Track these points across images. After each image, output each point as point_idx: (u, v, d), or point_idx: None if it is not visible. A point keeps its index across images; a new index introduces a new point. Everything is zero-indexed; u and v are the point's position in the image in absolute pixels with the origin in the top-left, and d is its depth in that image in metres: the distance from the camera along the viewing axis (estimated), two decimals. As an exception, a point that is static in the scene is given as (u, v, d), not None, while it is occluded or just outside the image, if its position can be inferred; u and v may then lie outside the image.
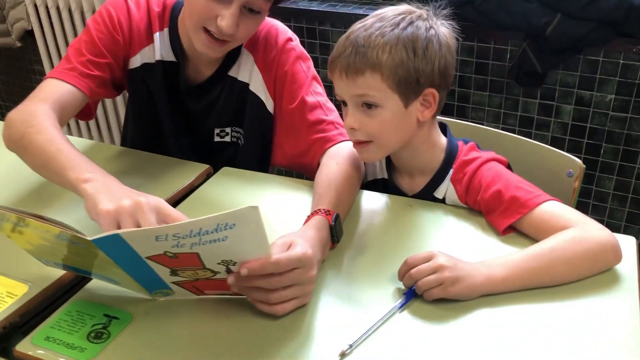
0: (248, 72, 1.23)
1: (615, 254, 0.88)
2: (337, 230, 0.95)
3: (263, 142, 1.28)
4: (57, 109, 1.07)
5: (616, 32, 1.47)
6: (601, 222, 0.92)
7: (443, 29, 0.99)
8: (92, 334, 0.82)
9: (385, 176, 1.15)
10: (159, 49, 1.21)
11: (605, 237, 0.88)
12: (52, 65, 2.52)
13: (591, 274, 0.88)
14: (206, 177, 1.22)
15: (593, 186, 1.70)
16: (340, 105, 1.05)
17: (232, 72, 1.23)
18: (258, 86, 1.23)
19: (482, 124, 1.32)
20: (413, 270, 0.84)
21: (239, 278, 0.79)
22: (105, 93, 1.22)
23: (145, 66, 1.22)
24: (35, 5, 2.43)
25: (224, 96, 1.25)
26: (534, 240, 0.94)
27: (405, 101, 0.98)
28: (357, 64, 0.95)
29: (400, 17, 0.97)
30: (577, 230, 0.88)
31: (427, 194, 1.09)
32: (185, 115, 1.27)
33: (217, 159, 1.28)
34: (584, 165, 1.19)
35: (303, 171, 1.24)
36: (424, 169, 1.08)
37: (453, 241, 1.00)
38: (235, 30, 1.08)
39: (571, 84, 1.62)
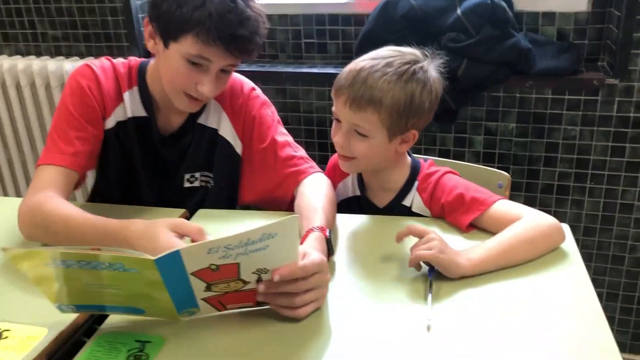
0: (216, 119, 1.35)
1: (562, 234, 1.09)
2: (332, 243, 1.08)
3: (232, 183, 1.38)
4: (57, 191, 1.15)
5: (512, 71, 1.76)
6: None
7: (435, 78, 1.17)
8: (132, 358, 0.86)
9: (358, 193, 1.32)
10: (129, 106, 1.30)
11: (553, 220, 1.09)
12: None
13: (546, 252, 1.07)
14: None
15: (507, 203, 1.96)
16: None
17: (200, 120, 1.34)
18: (226, 130, 1.35)
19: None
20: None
21: (269, 285, 0.89)
22: (94, 163, 1.30)
23: (118, 125, 1.29)
24: None
25: (194, 143, 1.35)
26: (492, 234, 1.13)
27: (390, 137, 1.16)
28: (362, 101, 1.12)
29: (405, 66, 1.13)
30: (531, 218, 1.08)
31: (396, 204, 1.26)
32: (158, 165, 1.35)
33: (187, 204, 1.37)
34: (510, 177, 1.42)
35: (274, 204, 1.36)
36: (394, 184, 1.26)
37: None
38: (215, 92, 1.22)
39: (479, 117, 1.89)
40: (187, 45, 1.14)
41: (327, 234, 1.07)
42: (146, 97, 1.30)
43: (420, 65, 1.15)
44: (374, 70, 1.13)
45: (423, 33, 1.80)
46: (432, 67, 1.18)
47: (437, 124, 1.92)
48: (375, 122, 1.13)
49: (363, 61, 1.16)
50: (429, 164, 1.29)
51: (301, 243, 1.06)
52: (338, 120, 1.19)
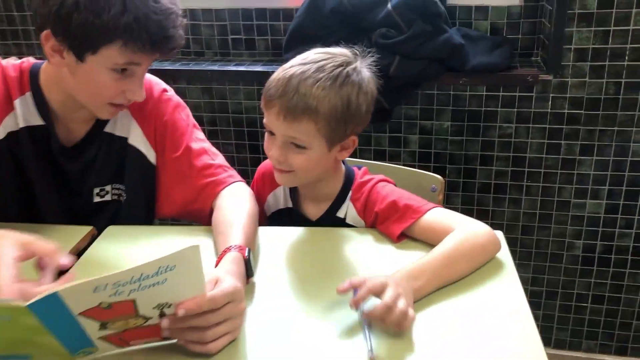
0: (125, 126, 1.22)
1: (498, 244, 1.03)
2: (251, 264, 0.98)
3: (147, 196, 1.27)
4: None
5: (445, 68, 1.70)
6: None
7: (369, 78, 1.09)
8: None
9: (290, 205, 1.22)
10: (21, 114, 1.16)
11: (488, 231, 1.03)
12: None
13: (483, 264, 1.01)
14: (91, 239, 1.17)
15: (445, 204, 1.91)
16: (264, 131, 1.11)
17: (108, 128, 1.22)
18: (137, 139, 1.23)
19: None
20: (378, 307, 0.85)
21: (174, 320, 0.79)
22: None
23: (9, 135, 1.16)
24: None
25: (102, 154, 1.23)
26: (424, 243, 1.06)
27: (330, 146, 1.08)
28: (297, 111, 1.03)
29: (338, 69, 1.05)
30: (466, 230, 1.02)
31: (329, 216, 1.17)
32: (60, 178, 1.22)
33: (98, 220, 1.24)
34: (444, 180, 1.36)
35: (194, 218, 1.25)
36: (328, 194, 1.18)
37: (355, 256, 1.09)
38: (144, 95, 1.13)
39: (414, 116, 1.83)
40: (112, 56, 1.03)
41: (246, 254, 0.97)
42: (42, 104, 1.16)
43: (353, 66, 1.08)
44: (305, 76, 1.04)
45: (354, 28, 1.72)
46: (364, 67, 1.10)
47: (371, 124, 1.83)
48: (313, 132, 1.05)
49: (292, 67, 1.07)
50: (363, 172, 1.21)
51: (217, 264, 0.96)
52: (271, 133, 1.09)
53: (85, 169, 1.23)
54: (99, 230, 1.20)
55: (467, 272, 0.99)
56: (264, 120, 1.09)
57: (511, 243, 1.93)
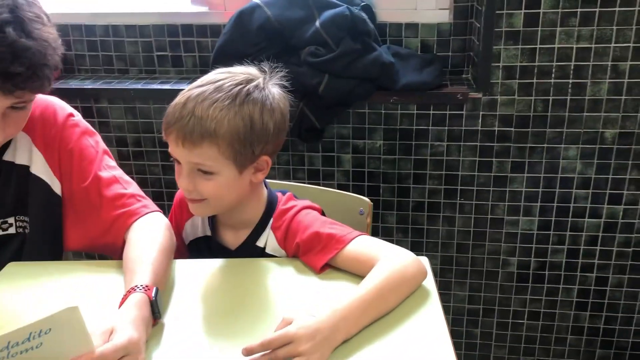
0: (27, 154, 1.13)
1: (424, 273, 1.00)
2: (158, 305, 0.91)
3: (53, 228, 1.17)
4: None
5: (375, 87, 1.67)
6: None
7: (277, 95, 1.04)
8: None
9: (208, 233, 1.15)
10: None
11: (414, 260, 0.99)
12: None
13: (409, 295, 0.97)
14: (-10, 277, 1.08)
15: (379, 223, 1.87)
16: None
17: (7, 157, 1.13)
18: (40, 168, 1.14)
19: (274, 180, 1.39)
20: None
21: None
22: None
23: None
24: None
25: (1, 184, 1.13)
26: (348, 273, 1.02)
27: (239, 169, 1.02)
28: (194, 135, 0.96)
29: (237, 87, 0.99)
30: (393, 260, 0.97)
31: (249, 245, 1.11)
32: None
33: (2, 254, 1.15)
34: (372, 203, 1.32)
35: (105, 252, 1.17)
36: (248, 222, 1.12)
37: (276, 288, 1.03)
38: (2, 137, 1.01)
39: (346, 135, 1.79)
40: None
41: (153, 294, 0.90)
42: None
43: (254, 84, 1.02)
44: (202, 98, 0.98)
45: (283, 46, 1.67)
46: (270, 84, 1.05)
47: (304, 143, 1.79)
48: (216, 156, 0.99)
49: (189, 90, 1.01)
50: (287, 197, 1.15)
51: (120, 305, 0.89)
52: (178, 162, 1.02)
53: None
54: (1, 267, 1.10)
55: (396, 305, 0.94)
56: (169, 149, 1.02)
57: (447, 261, 1.93)
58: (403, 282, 0.96)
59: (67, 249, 1.20)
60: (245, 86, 1.00)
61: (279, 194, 1.16)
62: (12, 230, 1.16)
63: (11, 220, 1.16)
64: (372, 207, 1.34)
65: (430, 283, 1.01)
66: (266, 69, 1.06)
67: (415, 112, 1.73)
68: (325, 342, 0.83)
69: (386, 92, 1.68)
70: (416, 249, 1.89)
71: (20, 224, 1.17)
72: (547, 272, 1.87)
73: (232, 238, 1.15)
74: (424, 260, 1.03)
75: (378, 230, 1.89)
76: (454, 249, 1.89)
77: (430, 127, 1.74)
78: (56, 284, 1.07)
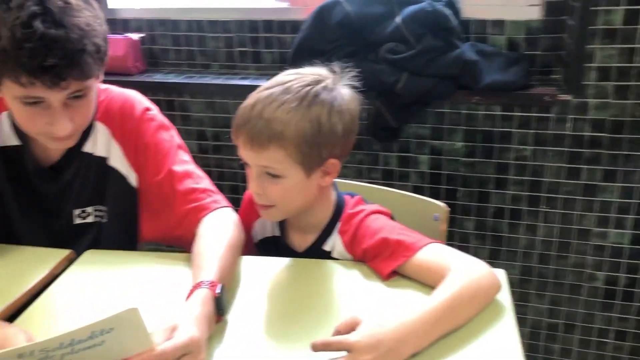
0: (105, 146, 1.16)
1: (498, 287, 0.94)
2: (222, 302, 0.90)
3: (129, 218, 1.20)
4: None
5: (456, 86, 1.60)
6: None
7: (347, 96, 1.01)
8: None
9: (277, 234, 1.15)
10: None
11: (488, 272, 0.93)
12: None
13: (482, 309, 0.91)
14: (68, 263, 1.12)
15: (455, 228, 1.81)
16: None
17: (86, 148, 1.16)
18: (117, 160, 1.17)
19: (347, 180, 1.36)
20: None
21: None
22: None
23: None
24: None
25: (80, 174, 1.17)
26: (416, 282, 0.97)
27: (307, 172, 1.00)
28: (262, 138, 0.96)
29: (305, 89, 0.97)
30: (467, 272, 0.92)
31: (316, 248, 1.10)
32: (37, 200, 1.17)
33: (80, 242, 1.19)
34: (449, 208, 1.26)
35: (178, 244, 1.18)
36: (316, 225, 1.10)
37: (341, 292, 1.00)
38: (72, 126, 1.03)
39: (424, 135, 1.73)
40: (10, 87, 0.96)
41: (218, 290, 0.90)
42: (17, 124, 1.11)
43: (323, 85, 0.99)
44: (270, 100, 0.97)
45: (361, 43, 1.64)
46: (340, 85, 1.01)
47: (379, 142, 1.75)
48: (284, 159, 0.97)
49: (259, 92, 1.00)
50: (356, 201, 1.12)
51: (187, 298, 0.89)
52: (248, 165, 1.03)
53: (64, 190, 1.17)
54: (80, 254, 1.14)
55: (468, 319, 0.89)
56: (239, 152, 1.02)
57: (526, 272, 1.83)
58: (476, 296, 0.90)
59: (141, 239, 1.23)
60: (314, 87, 0.98)
61: (348, 197, 1.13)
62: (90, 219, 1.20)
63: (90, 209, 1.20)
64: (449, 212, 1.28)
65: (505, 297, 0.95)
66: (337, 69, 1.03)
67: (499, 113, 1.65)
68: (389, 354, 0.80)
69: (468, 91, 1.61)
70: (494, 257, 1.81)
71: (98, 213, 1.21)
72: (637, 290, 1.74)
73: (300, 240, 1.13)
74: (500, 273, 0.97)
75: (454, 235, 1.82)
76: (535, 259, 1.79)
77: (514, 130, 1.66)
78: (129, 273, 1.09)
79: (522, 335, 0.87)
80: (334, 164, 1.02)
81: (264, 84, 1.02)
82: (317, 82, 0.99)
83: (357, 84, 1.03)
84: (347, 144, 1.04)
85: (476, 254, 0.98)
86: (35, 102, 0.98)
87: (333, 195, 1.11)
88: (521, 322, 0.89)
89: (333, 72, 1.03)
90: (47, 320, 0.95)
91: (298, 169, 0.99)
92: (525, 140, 1.66)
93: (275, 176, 0.99)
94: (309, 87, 0.98)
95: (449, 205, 1.28)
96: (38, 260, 1.11)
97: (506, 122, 1.66)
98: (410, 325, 0.83)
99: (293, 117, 0.95)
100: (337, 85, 1.01)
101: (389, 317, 0.84)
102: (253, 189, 1.02)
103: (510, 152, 1.69)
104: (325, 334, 0.83)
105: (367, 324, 0.81)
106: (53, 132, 1.02)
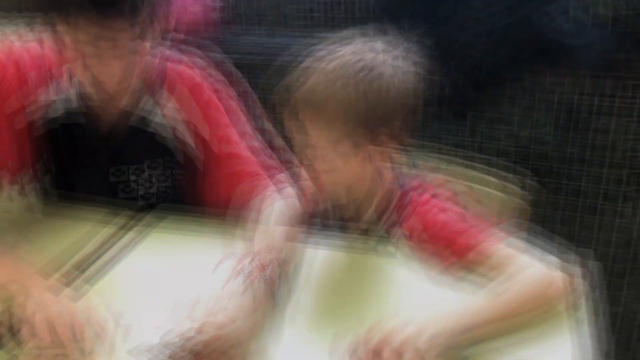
0: (165, 107, 1.17)
1: (561, 295, 0.85)
2: (277, 287, 0.89)
3: (189, 180, 1.21)
4: None
5: (543, 60, 1.46)
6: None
7: (398, 69, 0.96)
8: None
9: (331, 217, 1.11)
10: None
11: (559, 279, 0.84)
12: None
13: (543, 318, 0.83)
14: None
15: (538, 208, 1.67)
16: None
17: (153, 117, 1.17)
18: (178, 121, 1.17)
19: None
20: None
21: None
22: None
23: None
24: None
25: (143, 142, 1.17)
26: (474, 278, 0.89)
27: (356, 150, 0.96)
28: (312, 112, 0.95)
29: (361, 64, 0.94)
30: (535, 276, 0.85)
31: (367, 233, 1.05)
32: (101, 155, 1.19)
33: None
34: (529, 192, 1.15)
35: (240, 214, 1.18)
36: (366, 208, 1.06)
37: (393, 287, 0.96)
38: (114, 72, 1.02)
39: (505, 111, 1.60)
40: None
41: (268, 272, 0.88)
42: None
43: (381, 59, 0.94)
44: (320, 77, 0.94)
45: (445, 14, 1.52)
46: (392, 58, 0.96)
47: (454, 117, 1.64)
48: (331, 134, 0.95)
49: (310, 67, 0.97)
50: (416, 184, 1.05)
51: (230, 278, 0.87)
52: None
53: (123, 148, 1.18)
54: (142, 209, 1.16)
55: (522, 329, 0.80)
56: (290, 127, 0.99)
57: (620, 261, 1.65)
58: (539, 303, 0.82)
59: (203, 202, 1.23)
60: (370, 63, 0.93)
61: (407, 179, 1.07)
62: (145, 176, 1.21)
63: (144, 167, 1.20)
64: (531, 194, 1.17)
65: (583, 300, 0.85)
66: (397, 42, 0.97)
67: (588, 89, 1.48)
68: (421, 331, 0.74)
69: (556, 65, 1.47)
70: (584, 243, 1.66)
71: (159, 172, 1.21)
72: None
73: (355, 222, 1.08)
74: (576, 272, 0.86)
75: (537, 218, 1.68)
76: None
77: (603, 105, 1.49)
78: (196, 239, 1.09)
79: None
80: (386, 141, 0.97)
81: (317, 56, 0.97)
82: (374, 58, 0.94)
83: (418, 58, 0.97)
84: (402, 121, 0.97)
85: (563, 241, 0.88)
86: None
87: (389, 177, 1.05)
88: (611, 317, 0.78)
89: (392, 44, 0.97)
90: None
91: (348, 145, 0.95)
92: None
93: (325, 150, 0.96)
94: (364, 62, 0.93)
95: (534, 185, 1.17)
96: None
97: (599, 99, 1.49)
98: (461, 322, 0.77)
99: (343, 91, 0.92)
100: (388, 58, 0.95)
101: (434, 315, 0.78)
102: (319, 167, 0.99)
103: (607, 133, 1.52)
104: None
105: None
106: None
